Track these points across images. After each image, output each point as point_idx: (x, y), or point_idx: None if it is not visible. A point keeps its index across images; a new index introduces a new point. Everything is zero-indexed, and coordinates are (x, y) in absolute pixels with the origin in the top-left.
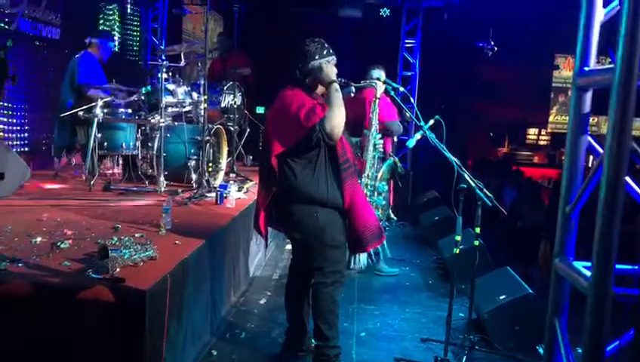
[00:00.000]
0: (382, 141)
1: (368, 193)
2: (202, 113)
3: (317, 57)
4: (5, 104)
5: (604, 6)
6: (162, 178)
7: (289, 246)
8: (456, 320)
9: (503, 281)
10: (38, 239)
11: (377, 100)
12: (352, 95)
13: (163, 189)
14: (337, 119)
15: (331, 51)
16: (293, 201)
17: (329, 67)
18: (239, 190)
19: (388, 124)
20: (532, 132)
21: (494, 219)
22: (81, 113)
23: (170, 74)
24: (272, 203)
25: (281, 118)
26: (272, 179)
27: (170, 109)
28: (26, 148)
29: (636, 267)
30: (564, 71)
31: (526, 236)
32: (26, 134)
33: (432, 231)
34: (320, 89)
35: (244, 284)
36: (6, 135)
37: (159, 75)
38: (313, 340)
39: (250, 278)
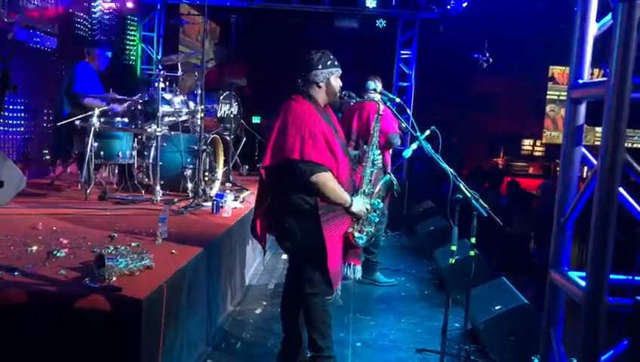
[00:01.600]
0: (381, 157)
1: None
2: (199, 122)
3: (320, 67)
4: (2, 112)
5: (597, 20)
6: (158, 187)
7: (285, 256)
8: (452, 330)
9: (499, 291)
10: (34, 248)
11: (379, 116)
12: (352, 104)
13: (159, 198)
14: (329, 194)
15: (336, 63)
16: (285, 212)
17: (335, 80)
18: (235, 199)
19: (390, 136)
20: (527, 143)
21: (489, 228)
22: (77, 122)
23: (167, 83)
24: (268, 212)
25: (281, 131)
26: (263, 190)
27: (166, 118)
28: (22, 157)
29: (630, 277)
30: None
31: (515, 243)
32: (22, 143)
33: (428, 241)
34: (323, 100)
35: (240, 294)
36: (2, 143)
37: (156, 84)
38: (308, 350)
39: (245, 287)
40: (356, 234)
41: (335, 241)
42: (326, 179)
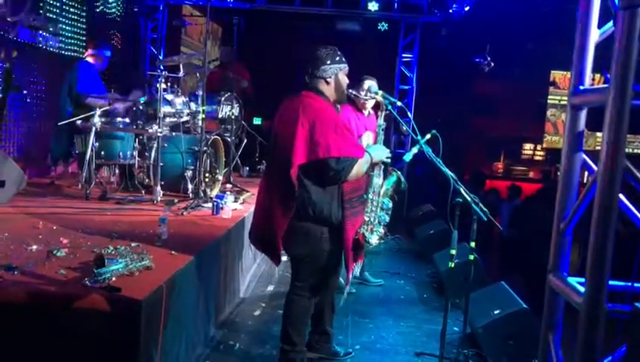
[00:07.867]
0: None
1: (373, 208)
2: (200, 123)
3: (329, 62)
4: (4, 112)
5: (599, 27)
6: (159, 188)
7: (285, 258)
8: (451, 334)
9: (498, 296)
10: (34, 247)
11: (382, 113)
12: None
13: (159, 199)
14: (358, 175)
15: (343, 59)
16: (302, 218)
17: (343, 77)
18: (236, 201)
19: None
20: (528, 147)
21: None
22: (79, 122)
23: (169, 84)
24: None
25: (310, 129)
26: (291, 194)
27: (167, 119)
28: (23, 156)
29: (629, 283)
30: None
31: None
32: (23, 142)
33: (428, 244)
34: (331, 96)
35: (239, 296)
36: (3, 142)
37: (158, 85)
38: (281, 343)
39: (244, 290)
40: (367, 234)
41: (349, 240)
42: (355, 170)
